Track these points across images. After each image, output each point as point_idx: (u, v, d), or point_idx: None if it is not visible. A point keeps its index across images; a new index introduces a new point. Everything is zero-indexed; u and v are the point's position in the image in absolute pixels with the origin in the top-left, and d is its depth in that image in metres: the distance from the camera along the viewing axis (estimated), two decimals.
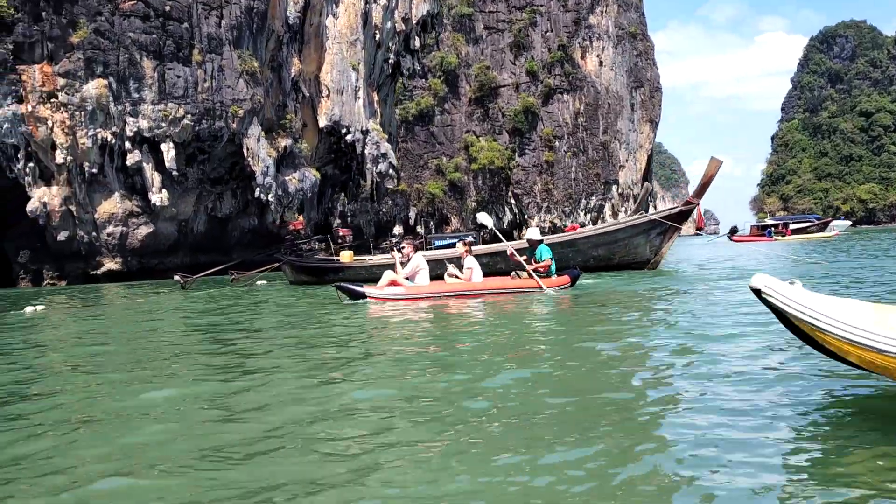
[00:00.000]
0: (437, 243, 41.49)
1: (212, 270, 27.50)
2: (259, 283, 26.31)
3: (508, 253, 13.96)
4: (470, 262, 13.02)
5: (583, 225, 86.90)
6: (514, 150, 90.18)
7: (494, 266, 16.91)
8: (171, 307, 15.97)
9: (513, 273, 13.48)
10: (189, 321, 12.03)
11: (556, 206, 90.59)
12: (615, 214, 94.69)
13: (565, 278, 13.16)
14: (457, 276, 13.19)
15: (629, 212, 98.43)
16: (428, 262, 13.55)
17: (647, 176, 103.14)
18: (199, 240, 47.63)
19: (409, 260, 13.24)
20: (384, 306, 11.46)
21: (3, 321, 14.05)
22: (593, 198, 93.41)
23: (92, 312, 15.86)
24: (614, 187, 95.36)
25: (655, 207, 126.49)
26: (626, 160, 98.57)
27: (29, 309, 16.49)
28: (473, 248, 15.49)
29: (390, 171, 53.64)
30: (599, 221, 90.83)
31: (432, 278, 13.34)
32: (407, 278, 12.80)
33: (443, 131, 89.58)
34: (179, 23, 43.23)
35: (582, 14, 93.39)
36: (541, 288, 12.58)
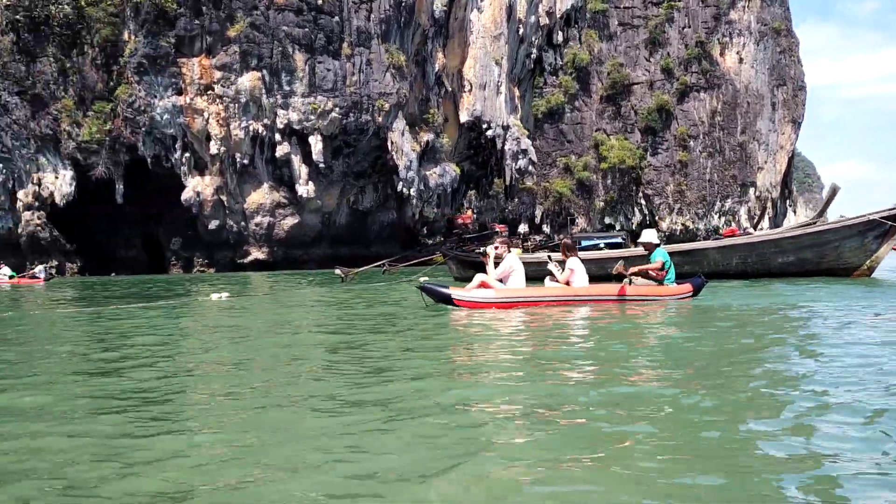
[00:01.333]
0: (585, 243, 40.15)
1: (375, 264, 27.13)
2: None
3: (615, 270, 11.90)
4: (573, 264, 11.41)
5: (717, 230, 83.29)
6: (646, 149, 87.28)
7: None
8: (344, 298, 15.40)
9: (625, 280, 11.71)
10: (348, 312, 11.31)
11: (688, 207, 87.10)
12: (751, 219, 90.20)
13: (686, 287, 11.41)
14: (556, 280, 11.64)
15: (767, 218, 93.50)
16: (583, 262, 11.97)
17: (787, 179, 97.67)
18: (340, 232, 48.00)
19: (494, 259, 11.65)
20: (471, 312, 10.23)
21: (197, 307, 13.89)
22: (728, 200, 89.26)
23: (278, 300, 15.61)
24: (751, 190, 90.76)
25: (795, 213, 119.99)
26: (765, 162, 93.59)
27: (214, 296, 16.33)
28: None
29: (530, 167, 52.60)
30: (734, 225, 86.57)
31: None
32: (499, 280, 11.24)
33: (572, 129, 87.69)
34: (331, 16, 43.57)
35: (722, 9, 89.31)
36: (659, 297, 11.09)
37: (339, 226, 48.09)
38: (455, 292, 10.86)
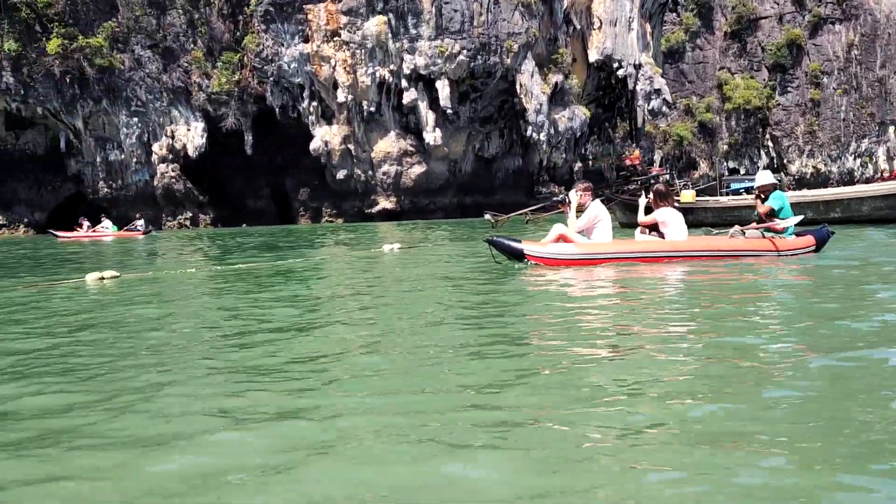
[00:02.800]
0: (735, 186, 37.56)
1: (523, 210, 25.69)
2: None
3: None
4: (666, 214, 9.68)
5: (850, 173, 77.82)
6: (773, 87, 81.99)
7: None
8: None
9: (732, 231, 9.95)
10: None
11: (820, 149, 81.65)
12: (890, 159, 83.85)
13: (808, 239, 9.60)
14: (648, 231, 9.93)
15: None
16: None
17: None
18: (466, 180, 46.84)
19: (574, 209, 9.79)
20: (546, 270, 8.73)
21: (373, 258, 13.00)
22: (865, 140, 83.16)
23: (450, 252, 14.64)
24: (891, 129, 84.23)
25: None
26: None
27: (387, 247, 15.41)
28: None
29: (663, 108, 49.78)
30: (871, 168, 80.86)
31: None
32: (580, 233, 9.58)
33: (693, 69, 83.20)
34: None
35: None
36: (775, 251, 9.30)
37: (464, 173, 46.90)
38: (528, 247, 9.22)
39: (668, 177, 47.81)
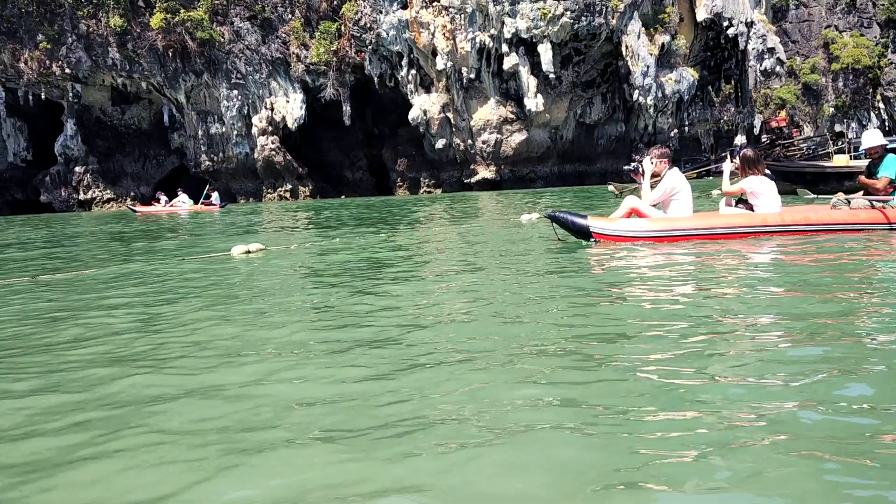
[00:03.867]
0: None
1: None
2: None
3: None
4: (756, 183, 8.29)
5: None
6: (885, 45, 77.00)
7: None
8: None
9: (833, 201, 8.38)
10: None
11: None
12: None
13: None
14: (734, 203, 8.60)
15: None
16: None
17: None
18: (566, 148, 45.37)
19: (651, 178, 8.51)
20: (616, 250, 7.63)
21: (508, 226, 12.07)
22: None
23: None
24: None
25: None
26: None
27: (525, 217, 14.54)
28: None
29: (777, 67, 47.00)
30: None
31: None
32: (656, 206, 8.34)
33: (798, 28, 78.87)
34: None
35: None
36: (887, 224, 7.85)
37: (564, 141, 45.42)
38: (595, 223, 8.18)
39: (820, 139, 45.31)
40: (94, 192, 43.59)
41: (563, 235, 8.61)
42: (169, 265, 8.91)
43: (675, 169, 8.46)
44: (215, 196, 34.43)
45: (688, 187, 8.43)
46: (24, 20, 41.39)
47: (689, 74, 44.56)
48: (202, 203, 33.94)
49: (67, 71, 42.05)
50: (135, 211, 33.92)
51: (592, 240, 8.16)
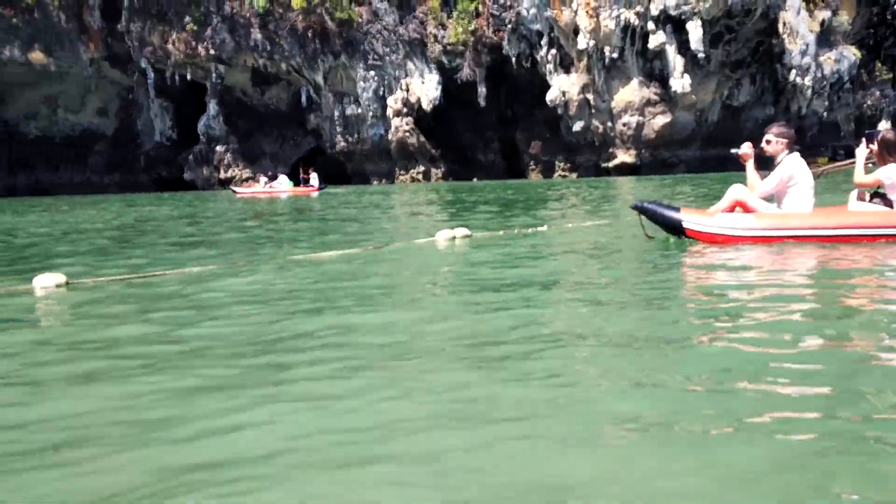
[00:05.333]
0: None
1: (843, 163, 22.22)
2: None
3: None
4: (894, 173, 6.49)
5: None
6: None
7: None
8: None
9: None
10: None
11: None
12: None
13: None
14: (868, 197, 6.89)
15: None
16: None
17: None
18: (711, 131, 43.09)
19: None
20: (713, 251, 6.39)
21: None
22: None
23: None
24: None
25: None
26: None
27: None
28: None
29: None
30: None
31: None
32: (768, 199, 6.82)
33: None
34: None
35: None
36: None
37: (709, 124, 43.17)
38: (689, 217, 6.90)
39: None
40: (234, 170, 44.55)
41: (653, 230, 7.42)
42: (378, 253, 8.25)
43: (796, 154, 6.93)
44: (314, 178, 34.09)
45: (809, 177, 6.92)
46: (173, 3, 42.54)
47: (851, 53, 41.50)
48: (302, 186, 33.80)
49: (212, 52, 43.01)
50: (235, 192, 34.25)
51: (685, 237, 6.94)
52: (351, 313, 4.50)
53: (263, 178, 36.07)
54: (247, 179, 45.09)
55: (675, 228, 7.08)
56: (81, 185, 44.89)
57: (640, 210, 7.50)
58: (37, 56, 41.13)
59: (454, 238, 9.04)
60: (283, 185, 34.50)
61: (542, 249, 7.74)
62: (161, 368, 3.40)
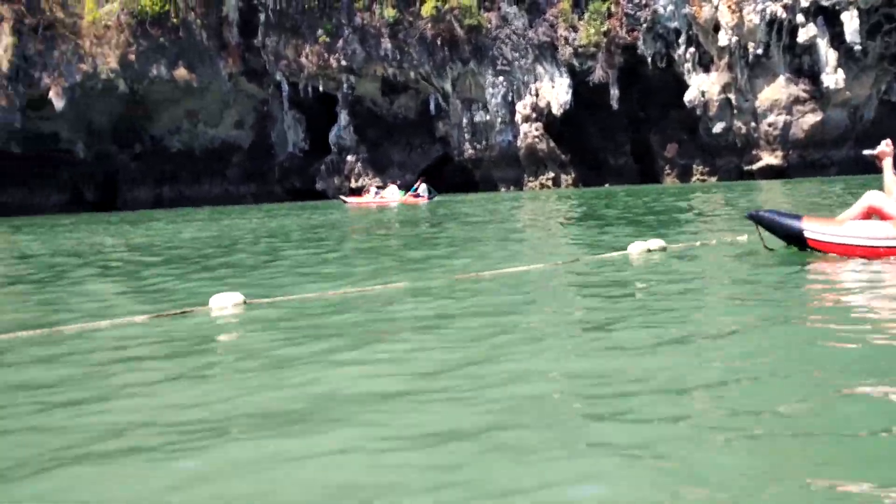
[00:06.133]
0: None
1: None
2: None
3: None
4: None
5: None
6: None
7: None
8: None
9: None
10: None
11: None
12: None
13: None
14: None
15: None
16: None
17: None
18: (866, 129, 39.95)
19: None
20: (842, 265, 5.64)
21: None
22: None
23: None
24: None
25: None
26: None
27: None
28: None
29: None
30: None
31: None
32: None
33: None
34: None
35: None
36: None
37: (864, 122, 40.08)
38: (812, 226, 6.27)
39: None
40: (364, 180, 44.94)
41: (772, 242, 6.68)
42: (572, 268, 7.63)
43: None
44: (423, 188, 33.94)
45: None
46: (306, 16, 43.44)
47: None
48: (410, 195, 33.76)
49: (343, 63, 43.61)
50: (345, 202, 34.43)
51: (808, 249, 6.31)
52: (571, 337, 3.91)
53: (373, 188, 36.48)
54: (356, 190, 44.82)
55: (796, 239, 6.49)
56: (220, 196, 46.50)
57: (757, 219, 6.94)
58: (181, 73, 42.92)
59: (649, 250, 8.32)
60: (393, 194, 34.84)
61: (759, 262, 6.81)
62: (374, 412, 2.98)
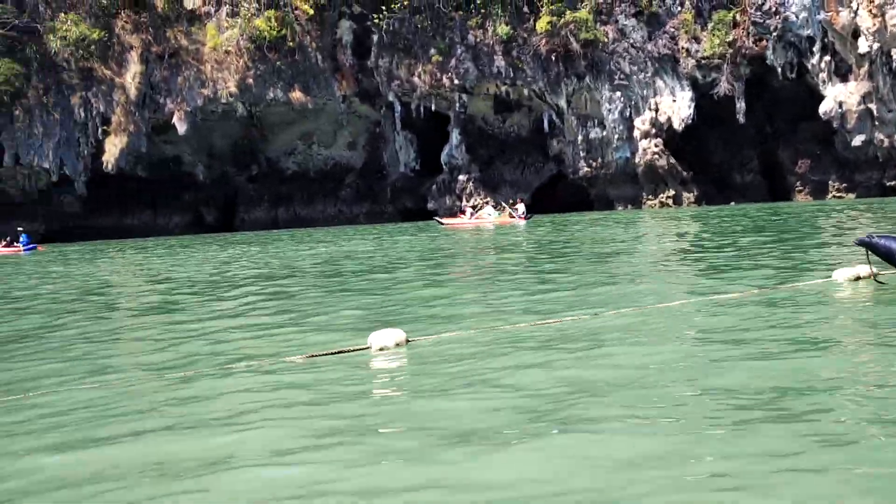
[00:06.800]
0: None
1: None
2: None
3: None
4: None
5: None
6: None
7: None
8: None
9: None
10: None
11: None
12: None
13: None
14: None
15: None
16: None
17: None
18: None
19: None
20: None
21: None
22: None
23: None
24: None
25: None
26: None
27: None
28: None
29: None
30: None
31: None
32: None
33: None
34: None
35: None
36: None
37: None
38: None
39: None
40: (476, 199, 44.22)
41: (886, 273, 6.30)
42: (770, 297, 6.94)
43: None
44: (521, 208, 34.74)
45: None
46: (418, 36, 43.28)
47: None
48: (509, 216, 34.24)
49: (456, 82, 43.18)
50: (441, 223, 34.42)
51: None
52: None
53: (469, 209, 36.46)
54: (454, 212, 43.93)
55: None
56: (333, 216, 46.79)
57: (868, 246, 6.46)
58: (296, 95, 43.47)
59: (858, 277, 7.35)
60: (490, 215, 35.07)
61: None
62: None
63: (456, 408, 4.05)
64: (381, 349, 5.86)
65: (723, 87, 39.63)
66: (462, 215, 36.60)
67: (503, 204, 36.54)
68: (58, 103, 42.33)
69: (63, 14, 41.71)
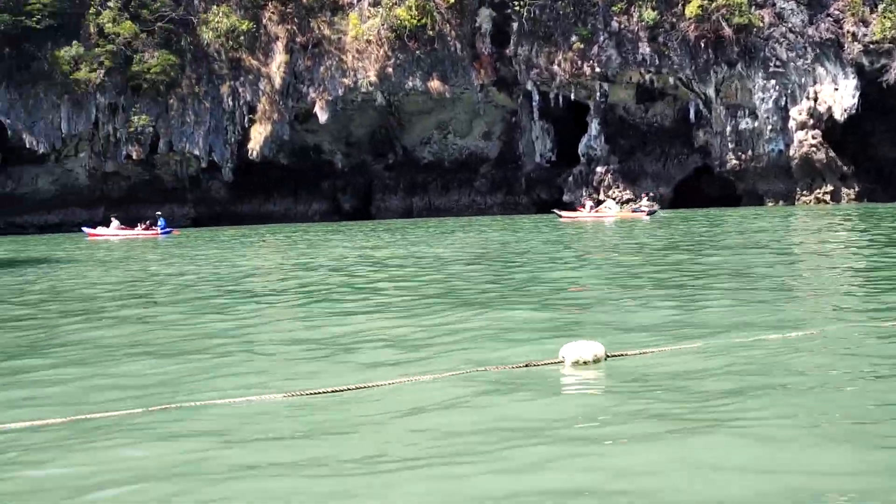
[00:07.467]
0: None
1: None
2: None
3: None
4: None
5: None
6: None
7: None
8: None
9: None
10: None
11: None
12: None
13: None
14: None
15: None
16: None
17: None
18: None
19: None
20: None
21: None
22: None
23: None
24: None
25: None
26: None
27: None
28: None
29: None
30: None
31: None
32: None
33: None
34: None
35: None
36: None
37: None
38: None
39: None
40: (614, 191, 42.79)
41: None
42: None
43: None
44: (645, 202, 35.04)
45: None
46: (560, 23, 42.16)
47: None
48: (632, 211, 33.94)
49: (597, 70, 41.82)
50: (559, 216, 33.96)
51: None
52: None
53: (589, 203, 36.16)
54: (627, 201, 42.62)
55: None
56: (467, 206, 46.50)
57: None
58: (434, 84, 43.33)
59: None
60: (610, 209, 34.73)
61: None
62: None
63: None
64: (575, 363, 5.18)
65: (893, 75, 36.54)
66: (581, 209, 35.51)
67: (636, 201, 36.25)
68: (208, 93, 44.01)
69: (215, 6, 43.29)
